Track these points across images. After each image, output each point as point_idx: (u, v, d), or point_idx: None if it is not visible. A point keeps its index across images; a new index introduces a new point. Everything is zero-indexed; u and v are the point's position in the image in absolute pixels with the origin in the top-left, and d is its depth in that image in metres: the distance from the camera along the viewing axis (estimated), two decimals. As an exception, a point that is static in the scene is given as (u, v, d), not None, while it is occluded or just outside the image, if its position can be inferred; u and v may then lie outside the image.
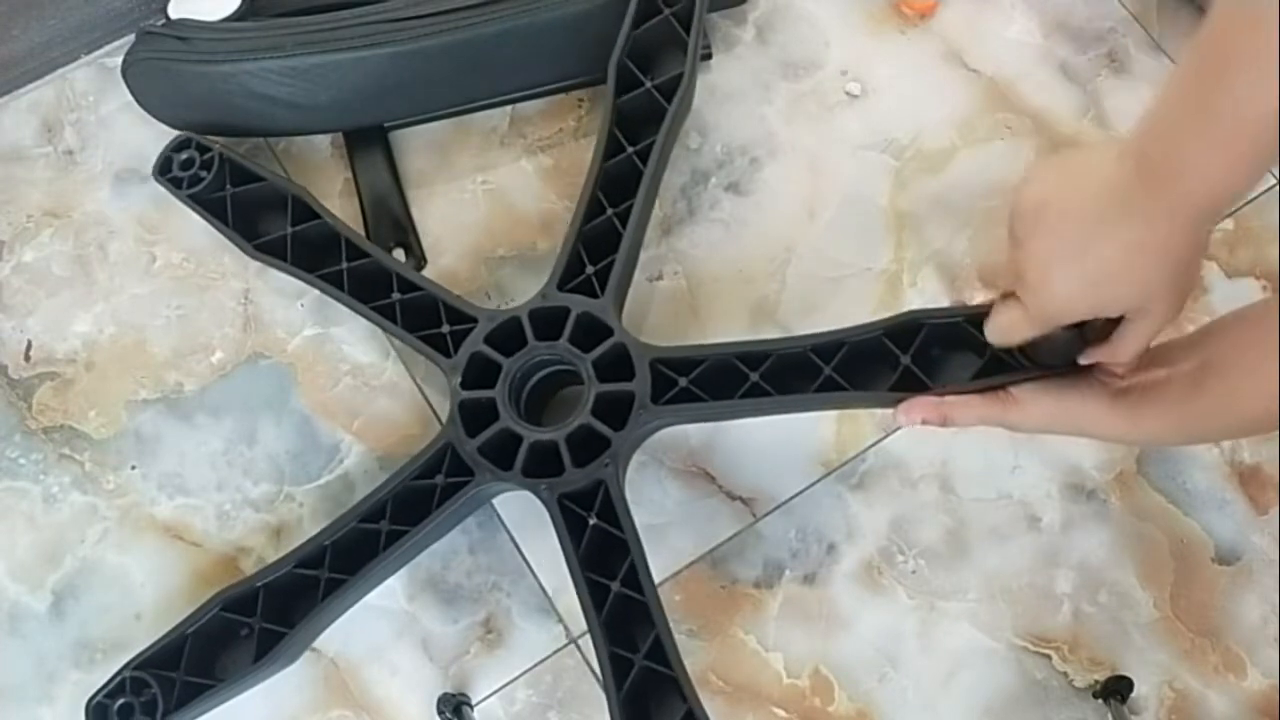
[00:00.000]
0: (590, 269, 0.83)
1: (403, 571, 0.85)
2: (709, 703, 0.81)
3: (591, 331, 0.81)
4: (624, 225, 0.83)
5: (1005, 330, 0.64)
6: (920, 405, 0.70)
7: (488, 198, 0.96)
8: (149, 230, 0.95)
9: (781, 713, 0.82)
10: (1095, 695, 0.81)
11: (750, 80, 0.99)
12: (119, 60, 0.92)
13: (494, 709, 0.83)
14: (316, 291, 0.85)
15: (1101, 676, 0.82)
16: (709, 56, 0.99)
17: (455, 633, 0.84)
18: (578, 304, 0.81)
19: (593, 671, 0.82)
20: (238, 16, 0.92)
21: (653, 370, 0.78)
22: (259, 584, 0.78)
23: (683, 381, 0.77)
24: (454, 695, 0.82)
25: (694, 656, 0.83)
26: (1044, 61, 1.00)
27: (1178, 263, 0.55)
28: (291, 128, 0.95)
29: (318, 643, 0.83)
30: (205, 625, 0.77)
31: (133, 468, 0.89)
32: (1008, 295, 0.63)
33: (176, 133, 0.93)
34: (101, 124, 0.99)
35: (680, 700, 0.70)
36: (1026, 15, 1.01)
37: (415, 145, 0.97)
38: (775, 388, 0.76)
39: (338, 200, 0.96)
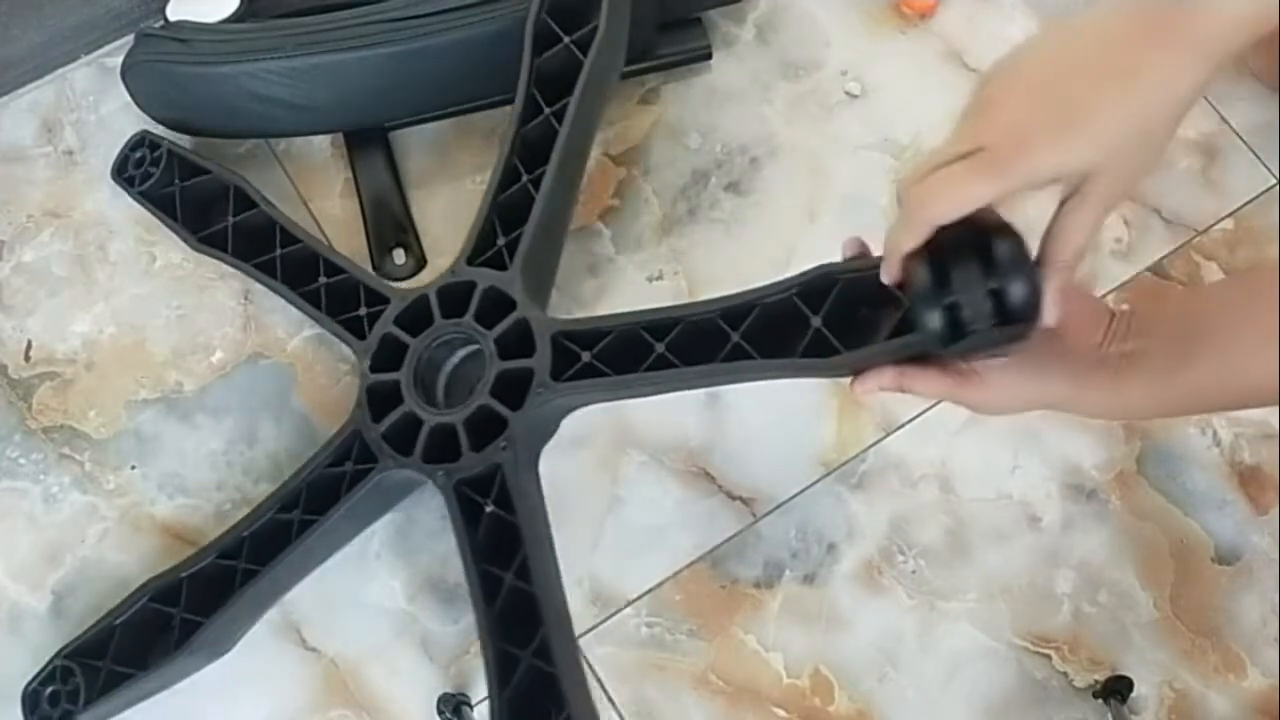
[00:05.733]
0: (502, 240, 0.79)
1: (402, 571, 0.85)
2: (709, 703, 0.82)
3: (500, 306, 0.77)
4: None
5: (940, 194, 0.50)
6: (877, 375, 0.61)
7: (488, 198, 0.96)
8: (148, 230, 0.95)
9: (782, 713, 0.82)
10: (1095, 695, 0.81)
11: (750, 80, 0.99)
12: (119, 60, 0.92)
13: (494, 709, 0.83)
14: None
15: (1101, 676, 0.82)
16: (709, 56, 0.99)
17: (455, 632, 0.84)
18: (485, 278, 0.77)
19: (593, 671, 0.82)
20: (236, 18, 0.92)
21: (555, 345, 0.73)
22: (183, 574, 0.77)
23: (586, 356, 0.72)
24: (454, 695, 0.82)
25: (694, 656, 0.83)
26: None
27: (1161, 114, 0.49)
28: (292, 128, 0.95)
29: (317, 642, 0.83)
30: (134, 615, 0.77)
31: (133, 467, 0.89)
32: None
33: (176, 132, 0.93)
34: (101, 124, 0.99)
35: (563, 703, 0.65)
36: (1026, 15, 1.01)
37: (415, 145, 0.97)
38: (683, 359, 0.69)
39: (338, 200, 0.96)
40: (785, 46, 1.01)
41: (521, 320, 0.75)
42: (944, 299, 0.52)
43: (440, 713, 0.81)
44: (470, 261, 0.79)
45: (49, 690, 0.76)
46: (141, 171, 0.91)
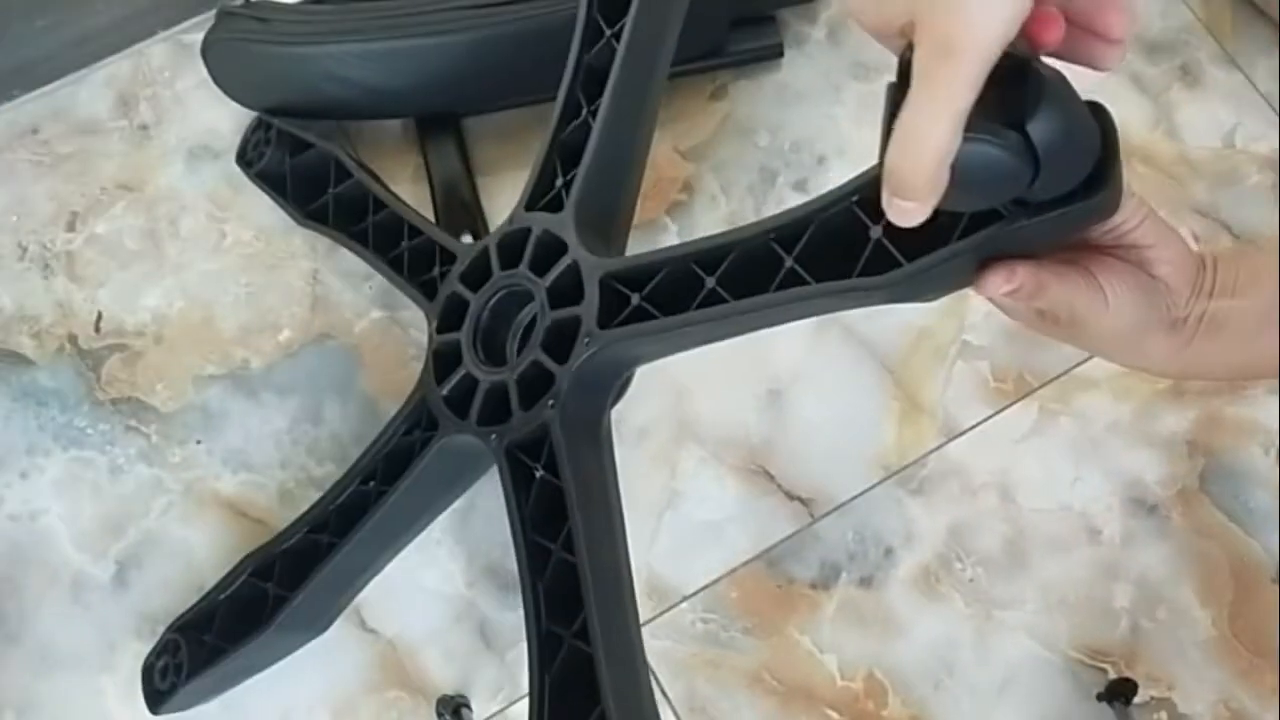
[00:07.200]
0: (560, 181, 0.73)
1: (462, 556, 0.86)
2: (762, 701, 0.82)
3: (554, 252, 0.71)
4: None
5: None
6: (1009, 271, 0.51)
7: (556, 188, 0.96)
8: (220, 207, 0.96)
9: (834, 715, 0.82)
10: (1099, 698, 0.81)
11: (821, 80, 0.99)
12: (196, 37, 0.93)
13: (548, 697, 0.83)
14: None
15: (1158, 693, 0.82)
16: (780, 54, 0.99)
17: (513, 619, 0.84)
18: (540, 223, 0.71)
19: (647, 664, 0.83)
20: (316, -1, 0.93)
21: (604, 288, 0.66)
22: (277, 549, 0.77)
23: (635, 299, 0.65)
24: (453, 697, 0.82)
25: (748, 655, 0.84)
26: (1114, 71, 0.99)
27: None
28: (368, 112, 0.95)
29: (376, 624, 0.84)
30: (236, 590, 0.77)
31: (198, 442, 0.90)
32: None
33: (250, 111, 0.94)
34: (177, 100, 1.00)
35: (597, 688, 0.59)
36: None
37: (487, 132, 0.98)
38: (736, 293, 0.61)
39: (408, 185, 0.96)
40: (857, 47, 1.00)
41: (572, 265, 0.69)
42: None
43: (440, 715, 0.82)
44: (529, 207, 0.73)
45: (161, 663, 0.77)
46: (257, 152, 0.92)
